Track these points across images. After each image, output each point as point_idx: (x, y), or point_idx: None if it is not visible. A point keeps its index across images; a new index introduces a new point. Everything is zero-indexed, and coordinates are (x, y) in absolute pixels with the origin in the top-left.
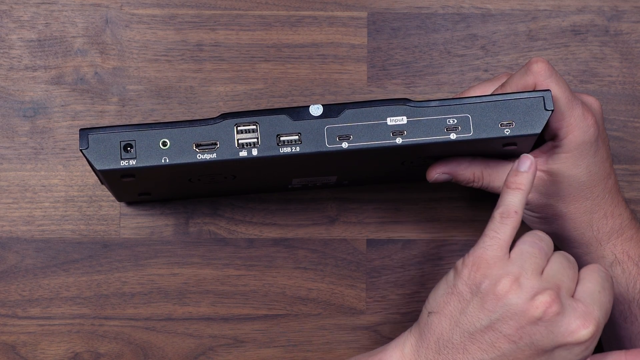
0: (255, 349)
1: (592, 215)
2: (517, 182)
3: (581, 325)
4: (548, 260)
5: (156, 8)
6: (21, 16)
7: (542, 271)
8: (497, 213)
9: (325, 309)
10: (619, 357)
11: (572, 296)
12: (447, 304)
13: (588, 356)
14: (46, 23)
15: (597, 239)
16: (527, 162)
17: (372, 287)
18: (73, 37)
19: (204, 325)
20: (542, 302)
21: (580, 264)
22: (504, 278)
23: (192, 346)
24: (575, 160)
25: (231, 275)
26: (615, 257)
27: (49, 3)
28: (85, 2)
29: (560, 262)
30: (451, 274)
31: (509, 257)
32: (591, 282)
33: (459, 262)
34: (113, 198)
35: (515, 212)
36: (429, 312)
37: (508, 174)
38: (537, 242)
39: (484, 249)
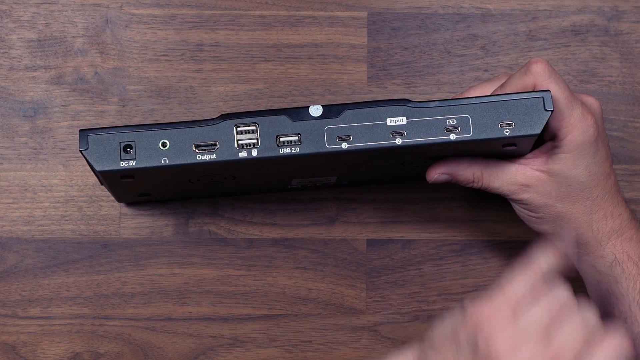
0: (255, 349)
1: (592, 215)
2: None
3: None
4: (562, 322)
5: (156, 8)
6: (21, 16)
7: (550, 336)
8: (522, 264)
9: (325, 309)
10: None
11: None
12: (446, 348)
13: None
14: (46, 23)
15: (597, 239)
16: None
17: (372, 287)
18: (73, 37)
19: (204, 325)
20: None
21: (580, 264)
22: (501, 343)
23: (192, 346)
24: (575, 161)
25: (231, 275)
26: (615, 257)
27: (49, 3)
28: (85, 2)
29: (574, 332)
30: (459, 314)
31: (517, 317)
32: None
33: (468, 303)
34: (113, 198)
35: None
36: (430, 345)
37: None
38: (554, 307)
39: (492, 305)
